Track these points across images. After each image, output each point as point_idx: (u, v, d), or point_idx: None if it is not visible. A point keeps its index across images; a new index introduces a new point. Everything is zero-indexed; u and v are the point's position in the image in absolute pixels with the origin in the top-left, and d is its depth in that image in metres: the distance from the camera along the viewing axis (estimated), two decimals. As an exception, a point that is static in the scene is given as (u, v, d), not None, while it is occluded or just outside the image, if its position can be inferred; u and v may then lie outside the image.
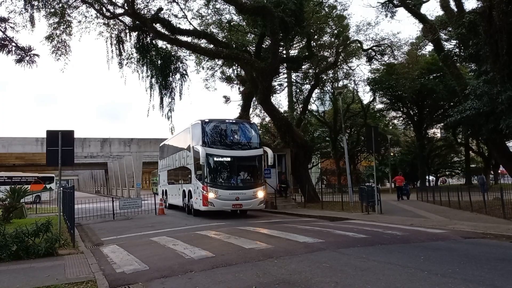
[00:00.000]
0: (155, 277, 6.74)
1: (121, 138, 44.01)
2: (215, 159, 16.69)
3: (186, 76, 22.92)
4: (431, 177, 45.76)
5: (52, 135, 11.02)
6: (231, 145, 17.39)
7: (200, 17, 25.02)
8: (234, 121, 19.09)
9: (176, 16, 22.21)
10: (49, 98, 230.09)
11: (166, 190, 24.96)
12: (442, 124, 39.62)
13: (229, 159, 16.98)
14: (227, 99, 31.25)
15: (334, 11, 29.12)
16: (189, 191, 18.57)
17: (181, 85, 22.50)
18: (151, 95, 21.93)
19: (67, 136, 11.13)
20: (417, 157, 38.69)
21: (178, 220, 17.31)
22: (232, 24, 26.37)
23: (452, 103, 33.62)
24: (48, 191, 40.58)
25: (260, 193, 17.16)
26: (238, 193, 16.61)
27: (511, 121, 12.99)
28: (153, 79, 21.79)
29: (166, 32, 20.80)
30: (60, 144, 10.93)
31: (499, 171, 42.13)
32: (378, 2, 25.61)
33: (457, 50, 21.68)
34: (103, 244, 11.09)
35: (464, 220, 13.17)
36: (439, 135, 46.56)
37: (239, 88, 29.52)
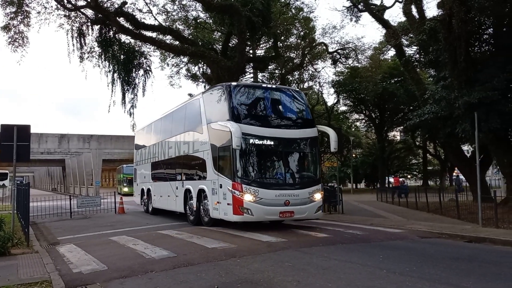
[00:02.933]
0: (114, 277, 6.56)
1: (80, 135, 42.71)
2: (255, 141, 11.10)
3: (150, 72, 22.39)
4: (391, 179, 47.11)
5: (6, 130, 10.50)
6: (275, 122, 11.76)
7: (165, 13, 24.64)
8: (274, 86, 13.79)
9: (140, 10, 21.66)
10: (5, 92, 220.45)
11: (149, 190, 18.88)
12: (402, 127, 40.85)
13: (273, 142, 11.33)
14: (191, 97, 30.91)
15: (300, 13, 29.45)
16: (200, 191, 12.69)
17: (145, 81, 21.93)
18: (112, 91, 21.23)
19: (23, 131, 10.65)
20: (378, 159, 39.71)
21: (139, 219, 16.93)
22: (198, 21, 26.12)
23: (411, 107, 34.67)
24: (1, 188, 38.81)
25: (318, 195, 11.53)
26: (288, 194, 10.93)
27: (467, 125, 13.52)
28: (115, 74, 21.11)
29: (130, 27, 20.26)
30: (15, 139, 10.44)
31: (454, 173, 43.87)
32: (343, 6, 26.19)
33: (417, 55, 22.38)
34: (60, 243, 10.69)
35: (421, 220, 13.63)
36: (399, 137, 48.04)
37: (204, 86, 29.26)
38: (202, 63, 26.12)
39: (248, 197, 10.55)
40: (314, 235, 10.48)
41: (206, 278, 6.26)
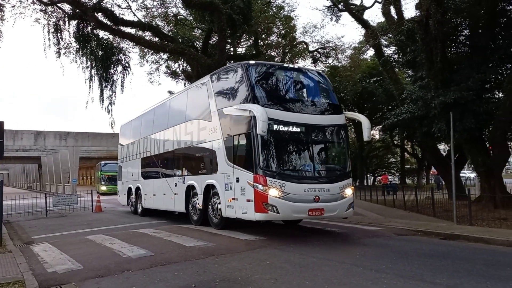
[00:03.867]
0: (90, 277, 6.46)
1: (57, 132, 41.82)
2: (280, 128, 9.63)
3: (129, 69, 22.06)
4: (374, 178, 47.73)
5: (-22, 126, 10.21)
6: (301, 107, 10.29)
7: (145, 9, 24.28)
8: (296, 66, 12.32)
9: (119, 6, 21.30)
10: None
11: (138, 188, 17.02)
12: (380, 126, 41.43)
13: (300, 129, 9.91)
14: (171, 94, 30.67)
15: (281, 11, 29.52)
16: (208, 187, 11.19)
17: (123, 77, 21.59)
18: (90, 87, 20.83)
19: (-4, 127, 10.36)
20: (357, 158, 40.16)
21: (116, 217, 16.72)
22: (179, 18, 25.90)
23: (390, 106, 35.20)
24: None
25: (349, 191, 10.17)
26: (317, 189, 9.55)
27: (443, 125, 13.79)
28: (93, 71, 20.74)
29: (109, 23, 19.92)
30: (-12, 136, 10.16)
31: (431, 172, 44.68)
32: (324, 6, 26.34)
33: (396, 56, 22.70)
34: (34, 242, 10.47)
35: (398, 218, 13.85)
36: (377, 136, 48.69)
37: (184, 84, 29.04)
38: (182, 60, 25.94)
39: (273, 192, 9.05)
40: (292, 233, 10.54)
41: (183, 277, 6.22)
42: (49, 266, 7.30)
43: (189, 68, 25.53)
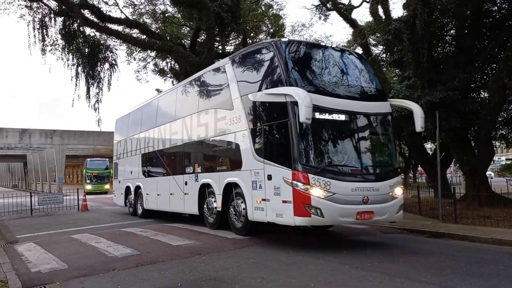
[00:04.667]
0: (75, 276, 6.40)
1: (43, 129, 41.32)
2: (324, 116, 8.23)
3: (116, 67, 21.89)
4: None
5: (-40, 123, 10.02)
6: (344, 92, 8.83)
7: (132, 6, 24.13)
8: (334, 46, 10.80)
9: (106, 3, 21.15)
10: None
11: (138, 187, 15.46)
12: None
13: (345, 117, 8.54)
14: (159, 92, 30.48)
15: (270, 10, 29.54)
16: (229, 186, 9.81)
17: (110, 75, 21.44)
18: (76, 85, 20.62)
19: (-21, 124, 10.17)
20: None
21: (102, 216, 16.58)
22: (166, 15, 25.75)
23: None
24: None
25: (399, 190, 8.76)
26: (366, 188, 8.22)
27: (429, 124, 13.90)
28: (80, 68, 20.53)
29: (95, 20, 19.71)
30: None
31: (418, 171, 45.15)
32: (312, 5, 26.29)
33: (383, 55, 22.88)
34: (18, 242, 10.32)
35: (384, 216, 13.93)
36: (365, 135, 48.99)
37: (172, 82, 28.88)
38: (170, 58, 25.77)
39: (317, 192, 7.64)
40: (279, 231, 10.53)
41: (169, 276, 6.19)
42: (33, 266, 7.21)
43: (177, 66, 25.36)
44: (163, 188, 13.32)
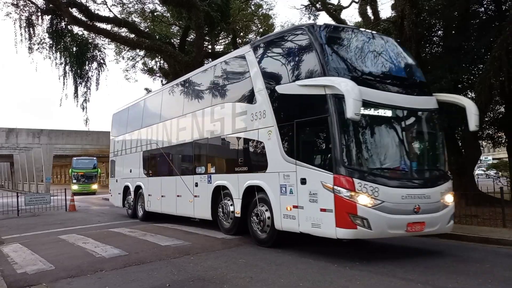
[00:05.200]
0: (62, 277, 6.34)
1: (30, 129, 40.82)
2: (369, 112, 7.20)
3: (104, 66, 21.74)
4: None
5: None
6: (389, 84, 7.76)
7: (121, 5, 23.88)
8: (374, 32, 9.06)
9: (94, 1, 20.96)
10: None
11: (138, 188, 14.31)
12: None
13: (392, 113, 7.52)
14: (148, 91, 30.31)
15: (260, 9, 29.57)
16: (250, 189, 8.71)
17: (98, 74, 21.28)
18: (64, 84, 20.41)
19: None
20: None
21: (90, 217, 16.43)
22: (155, 14, 25.60)
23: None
24: None
25: (450, 197, 7.69)
26: (417, 195, 7.15)
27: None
28: (67, 67, 20.33)
29: (83, 18, 19.53)
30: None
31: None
32: (302, 5, 26.50)
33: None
34: (4, 243, 10.17)
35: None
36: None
37: (161, 81, 28.74)
38: (159, 57, 25.65)
39: (364, 200, 6.59)
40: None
41: (157, 277, 6.16)
42: (19, 267, 7.13)
43: (166, 66, 25.25)
44: (169, 189, 12.14)
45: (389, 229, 6.79)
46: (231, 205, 9.43)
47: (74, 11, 19.31)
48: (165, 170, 12.75)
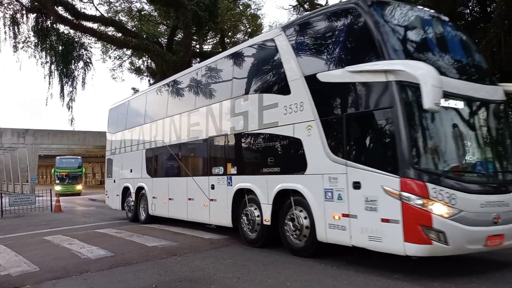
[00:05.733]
0: (46, 279, 6.25)
1: (15, 129, 40.20)
2: (446, 103, 6.00)
3: (91, 65, 21.63)
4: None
5: None
6: (458, 72, 6.73)
7: (108, 3, 23.74)
8: (435, 13, 7.49)
9: (81, 0, 20.83)
10: None
11: (140, 189, 13.00)
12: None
13: (463, 105, 6.41)
14: (136, 91, 30.09)
15: (248, 9, 29.62)
16: (285, 193, 7.52)
17: (85, 73, 21.17)
18: (50, 83, 20.26)
19: None
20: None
21: (76, 217, 16.26)
22: (143, 13, 25.46)
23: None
24: None
25: None
26: (496, 203, 6.00)
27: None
28: (53, 66, 20.16)
29: (69, 17, 19.37)
30: None
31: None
32: (290, 5, 26.53)
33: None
34: (-13, 244, 10.01)
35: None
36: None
37: (149, 81, 28.58)
38: (147, 56, 25.51)
39: (440, 209, 5.51)
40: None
41: (144, 278, 6.11)
42: (2, 269, 6.99)
43: (153, 65, 25.13)
44: (178, 192, 10.96)
45: (468, 244, 5.68)
46: (255, 210, 8.27)
47: (60, 10, 19.15)
48: (173, 170, 11.60)
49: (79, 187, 38.50)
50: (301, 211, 7.17)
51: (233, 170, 8.93)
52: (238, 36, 31.16)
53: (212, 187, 9.52)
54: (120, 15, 25.21)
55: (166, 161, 12.12)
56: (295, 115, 7.35)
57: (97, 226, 12.85)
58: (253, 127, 8.40)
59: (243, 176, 8.64)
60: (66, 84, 20.64)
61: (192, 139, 10.61)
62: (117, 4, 24.50)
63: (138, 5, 25.05)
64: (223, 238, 9.24)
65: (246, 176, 8.56)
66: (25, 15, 19.87)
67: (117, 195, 14.72)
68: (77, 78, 20.95)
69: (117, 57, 29.40)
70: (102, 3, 23.45)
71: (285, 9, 42.25)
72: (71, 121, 21.69)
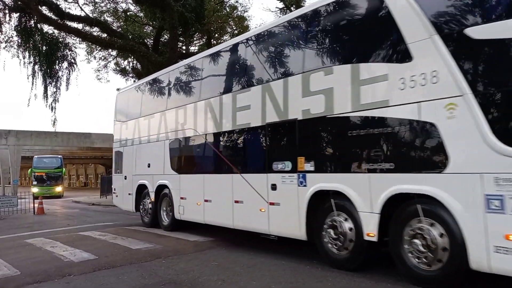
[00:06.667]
0: (27, 283, 6.16)
1: (-4, 129, 39.54)
2: None
3: (75, 65, 21.28)
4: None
5: None
6: None
7: (93, 3, 23.48)
8: None
9: (65, 0, 20.59)
10: None
11: (163, 187, 11.08)
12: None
13: None
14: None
15: (235, 11, 29.58)
16: (401, 197, 5.53)
17: (69, 74, 20.82)
18: (33, 83, 19.91)
19: None
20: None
21: (59, 220, 16.02)
22: (128, 14, 25.27)
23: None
24: None
25: None
26: None
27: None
28: (37, 66, 19.83)
29: (54, 17, 19.11)
30: None
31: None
32: (276, 7, 26.61)
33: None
34: (-33, 247, 9.81)
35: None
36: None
37: (134, 81, 28.39)
38: (132, 57, 25.32)
39: None
40: (242, 234, 10.51)
41: (127, 281, 6.06)
42: (-18, 273, 6.88)
43: (139, 66, 24.95)
44: (219, 192, 9.00)
45: None
46: (344, 221, 6.37)
47: (44, 9, 18.88)
48: (211, 165, 9.53)
49: (59, 188, 35.69)
50: (431, 224, 5.22)
51: (308, 166, 6.88)
52: (225, 37, 31.12)
53: (273, 187, 7.49)
54: (105, 15, 24.96)
55: (201, 154, 10.00)
56: (421, 90, 5.38)
57: (80, 228, 12.67)
58: (343, 108, 6.38)
59: (325, 174, 6.65)
60: (50, 85, 20.33)
61: (241, 126, 8.46)
62: (102, 5, 24.27)
63: (124, 5, 24.86)
64: (208, 240, 9.22)
65: (330, 175, 6.60)
66: (7, 15, 19.55)
67: (129, 194, 12.72)
68: (61, 79, 20.66)
69: (102, 57, 29.09)
70: (87, 3, 23.21)
71: (272, 11, 42.50)
72: (54, 122, 21.37)
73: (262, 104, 7.92)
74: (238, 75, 9.00)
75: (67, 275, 6.50)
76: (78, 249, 8.39)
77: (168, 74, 11.64)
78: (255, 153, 8.41)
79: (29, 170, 36.28)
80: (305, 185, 6.90)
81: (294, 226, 7.08)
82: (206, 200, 9.37)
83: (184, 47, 29.14)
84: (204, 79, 10.13)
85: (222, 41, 30.63)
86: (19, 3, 18.74)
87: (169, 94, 11.47)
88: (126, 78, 30.20)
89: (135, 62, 26.33)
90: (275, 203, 7.50)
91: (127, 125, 13.24)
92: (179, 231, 10.50)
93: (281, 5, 25.77)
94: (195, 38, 29.74)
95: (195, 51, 30.48)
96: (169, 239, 9.57)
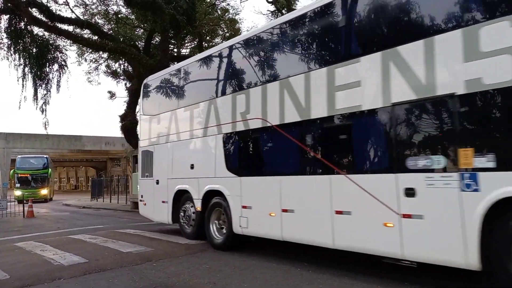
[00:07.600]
0: (17, 287, 6.11)
1: (-14, 132, 39.15)
2: None
3: (66, 68, 21.16)
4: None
5: None
6: None
7: (84, 6, 23.39)
8: None
9: (56, 2, 20.44)
10: None
11: (214, 193, 8.79)
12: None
13: None
14: (112, 94, 29.62)
15: (226, 14, 29.62)
16: None
17: (60, 76, 20.70)
18: (23, 86, 19.79)
19: None
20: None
21: (49, 223, 15.90)
22: (120, 16, 25.19)
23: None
24: None
25: None
26: None
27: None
28: (27, 69, 19.69)
29: (44, 19, 18.98)
30: None
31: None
32: (268, 10, 26.70)
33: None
34: (-45, 252, 9.70)
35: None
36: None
37: (125, 84, 28.26)
38: (123, 60, 25.24)
39: None
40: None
41: (118, 284, 6.04)
42: (-30, 277, 6.81)
43: (130, 68, 24.87)
44: (306, 199, 6.81)
45: None
46: None
47: (34, 11, 18.74)
48: (293, 163, 7.27)
49: (44, 191, 33.15)
50: None
51: (483, 162, 4.67)
52: (216, 40, 31.13)
53: (410, 192, 5.32)
54: (96, 17, 24.84)
55: (275, 151, 7.74)
56: None
57: (70, 232, 12.59)
58: None
59: None
60: (40, 87, 20.19)
61: (344, 110, 6.30)
62: (93, 7, 24.17)
63: (115, 8, 24.75)
64: (200, 243, 9.20)
65: None
66: (-3, 16, 19.40)
67: (164, 201, 10.43)
68: (51, 81, 20.52)
69: (93, 60, 28.92)
70: (78, 5, 23.10)
71: (263, 14, 42.61)
72: (45, 125, 21.22)
73: (384, 78, 5.79)
74: (338, 41, 6.70)
75: (57, 278, 6.45)
76: (68, 252, 8.33)
77: (219, 52, 9.42)
78: (371, 145, 6.17)
79: (11, 171, 33.97)
80: (476, 190, 4.70)
81: (454, 250, 4.88)
82: (284, 210, 7.15)
83: (175, 50, 29.12)
84: (279, 53, 7.80)
85: (213, 44, 30.67)
86: (9, 4, 18.57)
87: (223, 77, 9.12)
88: (117, 80, 30.07)
89: (126, 64, 26.25)
90: (411, 215, 5.33)
91: (159, 118, 11.06)
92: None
93: (272, 8, 25.87)
94: (186, 41, 29.73)
95: (186, 53, 30.47)
96: (160, 242, 9.54)
